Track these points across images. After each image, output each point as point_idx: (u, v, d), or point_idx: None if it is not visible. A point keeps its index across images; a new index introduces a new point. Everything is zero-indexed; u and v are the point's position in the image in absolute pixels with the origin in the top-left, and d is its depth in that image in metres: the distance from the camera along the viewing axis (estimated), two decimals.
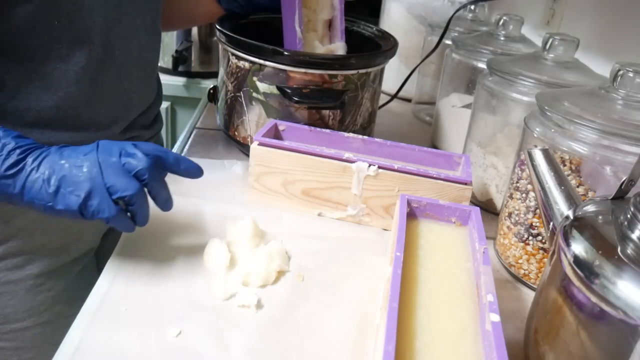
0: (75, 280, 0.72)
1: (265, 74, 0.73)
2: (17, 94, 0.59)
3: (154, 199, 0.52)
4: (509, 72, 0.68)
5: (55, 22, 0.57)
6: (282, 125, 0.73)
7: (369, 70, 0.76)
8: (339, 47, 0.83)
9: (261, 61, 0.73)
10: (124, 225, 0.50)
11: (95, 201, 0.47)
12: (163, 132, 1.66)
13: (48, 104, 0.60)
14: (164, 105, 1.55)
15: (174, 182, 0.71)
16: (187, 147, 0.86)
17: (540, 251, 0.59)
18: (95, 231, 0.74)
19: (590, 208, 0.44)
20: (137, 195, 0.48)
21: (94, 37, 0.61)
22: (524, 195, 0.60)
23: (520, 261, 0.61)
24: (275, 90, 0.74)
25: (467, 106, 0.86)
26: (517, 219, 0.61)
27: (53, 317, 0.70)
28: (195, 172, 0.54)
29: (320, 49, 0.82)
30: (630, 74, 0.51)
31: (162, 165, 0.52)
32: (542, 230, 0.59)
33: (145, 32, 0.68)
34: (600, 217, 0.43)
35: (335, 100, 0.73)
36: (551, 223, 0.47)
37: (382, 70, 0.81)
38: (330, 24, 0.84)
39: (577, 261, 0.39)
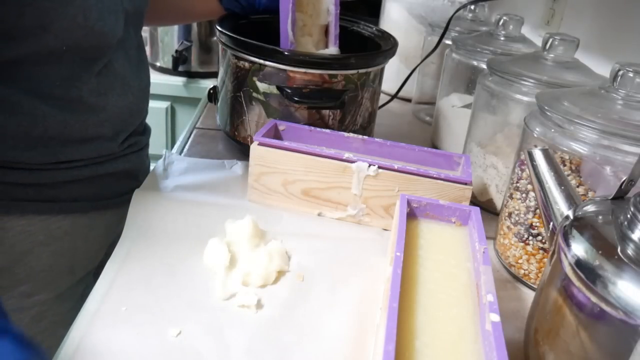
0: (78, 302, 0.71)
1: (265, 74, 0.73)
2: (23, 110, 0.59)
3: None
4: (509, 72, 0.68)
5: (63, 48, 0.57)
6: (282, 125, 0.73)
7: (369, 70, 0.76)
8: (332, 52, 0.84)
9: (261, 61, 0.73)
10: None
11: None
12: (163, 132, 1.66)
13: (56, 119, 0.60)
14: (164, 105, 1.55)
15: (174, 181, 0.71)
16: (187, 147, 0.86)
17: (540, 251, 0.59)
18: (100, 247, 0.73)
19: (590, 208, 0.44)
20: None
21: (99, 57, 0.61)
22: (524, 195, 0.60)
23: (520, 261, 0.61)
24: (275, 90, 0.74)
25: (467, 106, 0.86)
26: (517, 219, 0.61)
27: (55, 342, 0.69)
28: None
29: None
30: (630, 74, 0.51)
31: None
32: (542, 230, 0.59)
33: (130, 45, 0.69)
34: (600, 217, 0.43)
35: (335, 100, 0.73)
36: (551, 223, 0.47)
37: (382, 70, 0.81)
38: (325, 30, 0.85)
39: (577, 261, 0.39)
